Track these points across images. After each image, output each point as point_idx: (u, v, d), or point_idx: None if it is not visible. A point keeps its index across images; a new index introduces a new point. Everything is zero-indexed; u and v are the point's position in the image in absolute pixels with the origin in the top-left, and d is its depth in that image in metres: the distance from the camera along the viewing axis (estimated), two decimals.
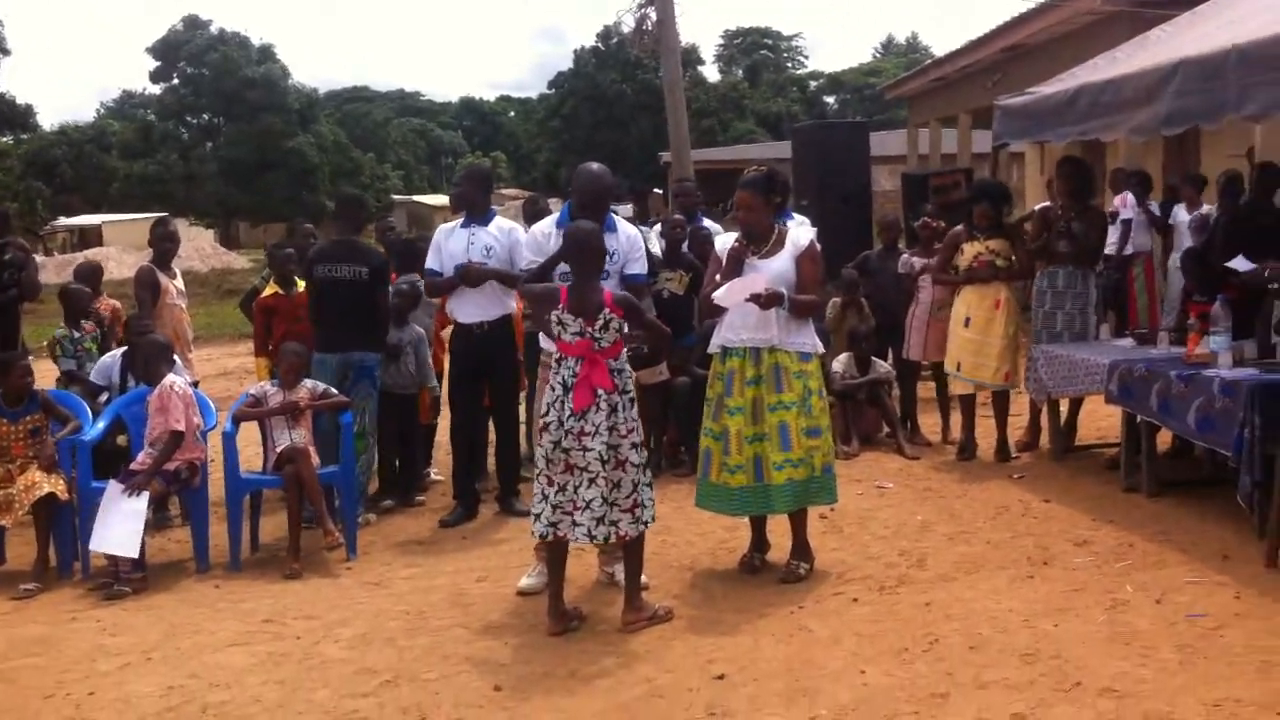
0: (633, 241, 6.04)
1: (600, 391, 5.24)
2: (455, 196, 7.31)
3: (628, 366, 5.45)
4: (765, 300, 5.57)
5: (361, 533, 7.03)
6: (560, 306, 5.33)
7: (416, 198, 62.53)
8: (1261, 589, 5.29)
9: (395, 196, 58.37)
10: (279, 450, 6.89)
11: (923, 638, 4.97)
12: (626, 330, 5.31)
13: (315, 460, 6.86)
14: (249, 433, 7.30)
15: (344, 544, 6.69)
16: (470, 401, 7.57)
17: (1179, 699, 4.22)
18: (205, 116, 56.51)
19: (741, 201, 5.83)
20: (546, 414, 5.33)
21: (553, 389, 5.35)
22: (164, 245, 8.52)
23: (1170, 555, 5.88)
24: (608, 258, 5.65)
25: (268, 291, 8.36)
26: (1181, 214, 11.18)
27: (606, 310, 5.26)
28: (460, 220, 7.52)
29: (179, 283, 8.60)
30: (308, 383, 7.13)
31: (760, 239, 5.83)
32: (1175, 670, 4.49)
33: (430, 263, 7.45)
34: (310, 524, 6.79)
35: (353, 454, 7.07)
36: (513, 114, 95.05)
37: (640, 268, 6.10)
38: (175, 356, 7.38)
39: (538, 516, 5.35)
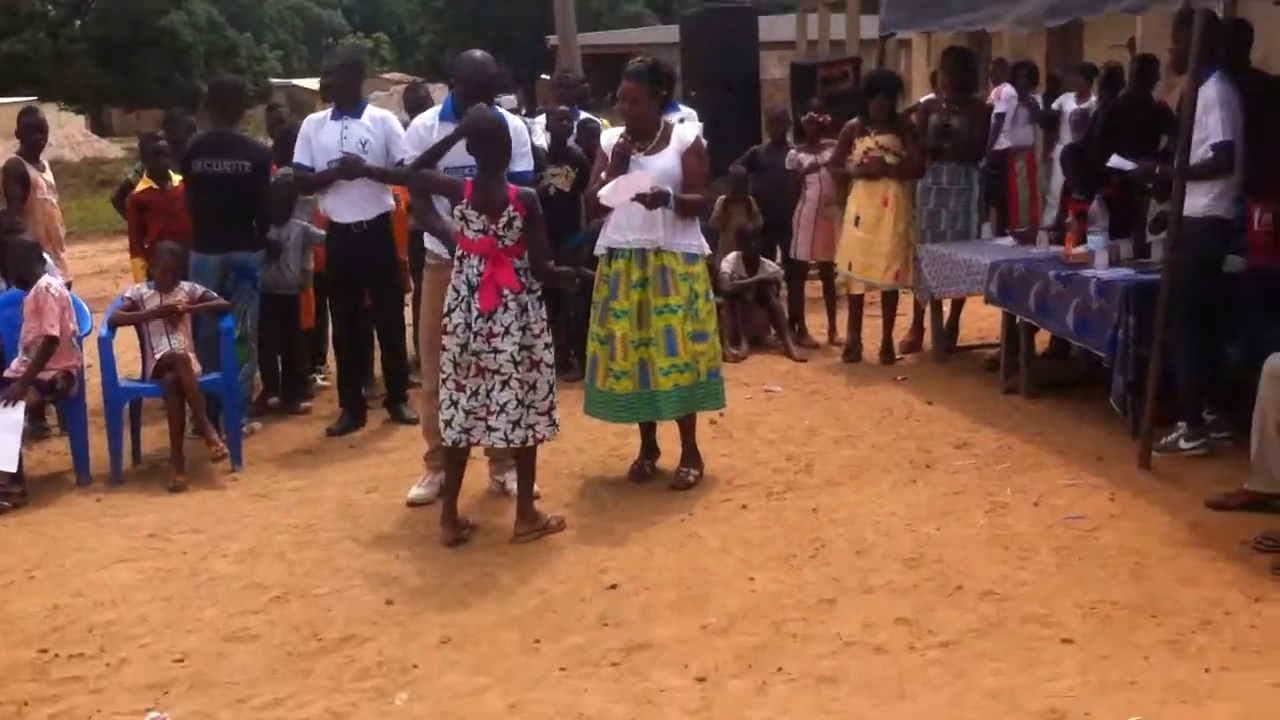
0: (518, 135, 5.85)
1: (507, 291, 5.15)
2: (325, 86, 6.99)
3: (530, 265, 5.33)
4: (651, 199, 5.49)
5: (246, 442, 6.90)
6: (464, 201, 5.19)
7: (296, 81, 60.54)
8: (1135, 490, 5.48)
9: (273, 80, 56.46)
10: (158, 357, 6.70)
11: (810, 543, 5.07)
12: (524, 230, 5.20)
13: (196, 367, 6.70)
14: (126, 338, 7.11)
15: (228, 454, 6.58)
16: (351, 305, 7.39)
17: (1056, 601, 4.37)
18: None
19: (626, 93, 5.71)
20: (451, 315, 5.21)
21: (455, 290, 5.22)
22: (32, 136, 8.11)
23: (1048, 458, 6.05)
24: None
25: (141, 186, 7.96)
26: (1070, 104, 11.26)
27: (510, 208, 5.14)
28: (329, 111, 7.19)
29: (49, 176, 8.20)
30: (186, 285, 6.89)
31: (645, 134, 5.72)
32: (1052, 573, 4.65)
33: (299, 156, 7.11)
34: (195, 435, 6.67)
35: (234, 360, 6.92)
36: None
37: (526, 164, 5.90)
38: (47, 255, 7.11)
39: (448, 423, 5.25)
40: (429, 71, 58.23)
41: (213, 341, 6.93)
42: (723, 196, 9.20)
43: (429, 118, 6.00)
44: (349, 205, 7.08)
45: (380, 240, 7.22)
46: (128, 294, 7.04)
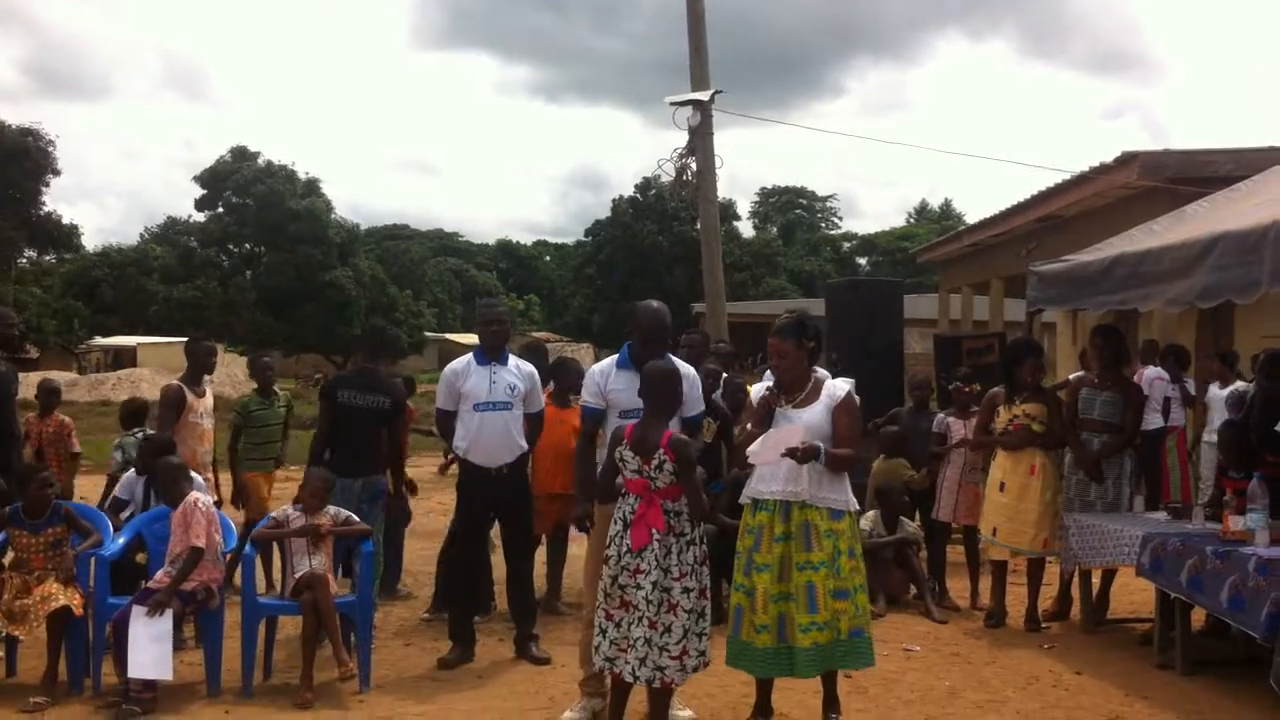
0: (692, 382, 6.04)
1: (654, 531, 5.23)
2: (494, 334, 7.23)
3: (685, 510, 5.40)
4: (801, 454, 5.41)
5: (376, 665, 6.89)
6: (624, 442, 5.36)
7: (449, 335, 63.02)
8: None
9: (428, 334, 58.84)
10: (297, 575, 6.82)
11: None
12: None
13: (334, 588, 6.79)
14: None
15: (357, 675, 6.57)
16: (480, 540, 7.49)
17: None
18: (247, 245, 57.40)
19: (774, 349, 5.71)
20: (609, 547, 5.39)
21: (615, 524, 5.41)
22: (198, 360, 8.62)
23: None
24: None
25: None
26: (1215, 391, 11.15)
27: (661, 451, 5.28)
28: (469, 358, 7.38)
29: (208, 400, 8.64)
30: (330, 509, 7.09)
31: (794, 387, 5.70)
32: None
33: (442, 402, 7.36)
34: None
35: (370, 584, 7.00)
36: (548, 258, 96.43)
37: (698, 408, 6.13)
38: (195, 475, 7.37)
39: (597, 649, 5.40)
40: (575, 333, 60.14)
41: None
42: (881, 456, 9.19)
43: (606, 366, 6.21)
44: (491, 448, 7.20)
45: (518, 480, 7.37)
46: (274, 514, 7.22)
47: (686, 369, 6.11)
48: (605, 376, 6.08)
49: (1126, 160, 14.88)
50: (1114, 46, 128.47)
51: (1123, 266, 7.61)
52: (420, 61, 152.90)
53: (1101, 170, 15.50)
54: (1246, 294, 6.23)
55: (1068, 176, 16.80)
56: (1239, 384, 10.92)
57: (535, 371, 7.56)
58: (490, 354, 7.32)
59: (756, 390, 5.91)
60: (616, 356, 6.19)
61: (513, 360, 7.43)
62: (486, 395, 7.17)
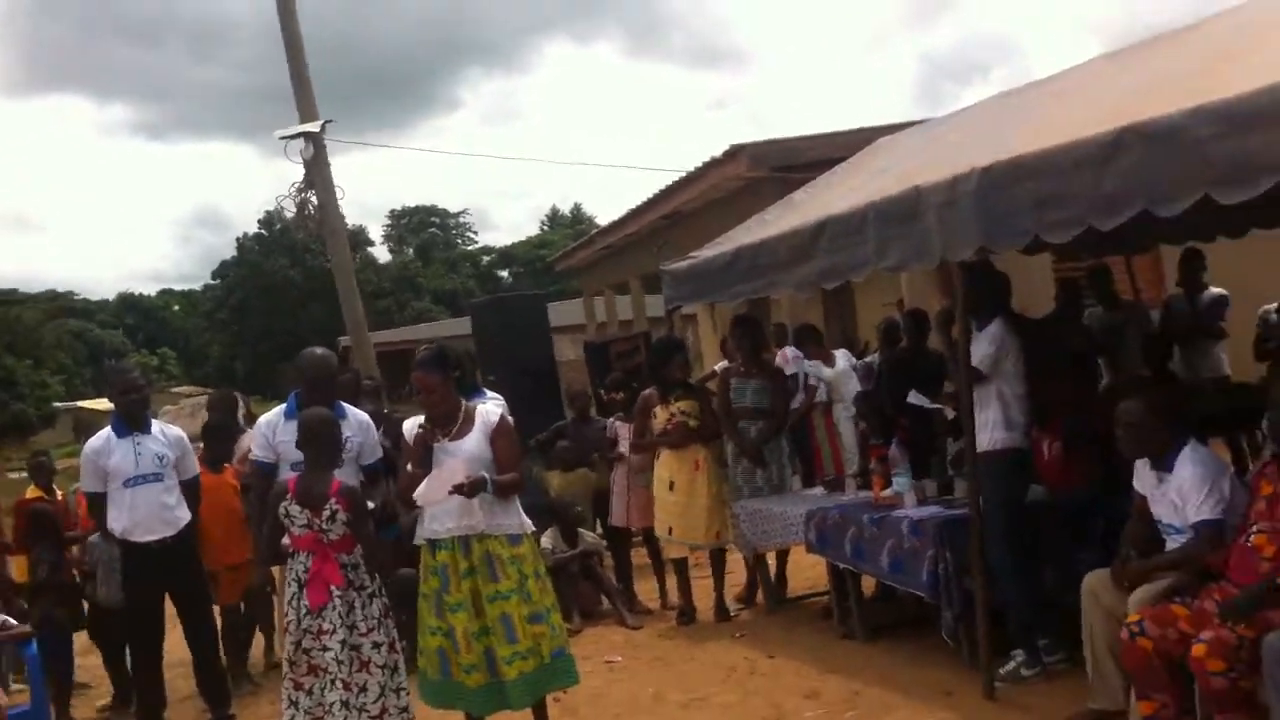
0: (365, 428, 5.97)
1: (334, 588, 5.05)
2: (132, 403, 6.79)
3: (361, 562, 5.24)
4: (469, 488, 5.37)
5: None
6: (289, 496, 5.13)
7: (82, 403, 59.01)
8: None
9: (57, 404, 54.99)
10: None
11: None
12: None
13: (3, 700, 6.28)
14: None
15: None
16: (157, 625, 6.99)
17: None
18: None
19: (420, 383, 5.61)
20: (287, 614, 5.17)
21: (289, 585, 5.18)
22: None
23: (896, 699, 6.04)
24: (344, 446, 5.55)
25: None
26: (821, 370, 11.75)
27: (332, 501, 5.10)
28: (107, 431, 6.92)
29: None
30: None
31: (447, 419, 5.63)
32: None
33: (89, 484, 6.90)
34: None
35: (43, 689, 6.51)
36: (177, 307, 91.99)
37: (375, 455, 6.03)
38: None
39: None
40: (218, 381, 57.62)
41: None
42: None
43: (274, 416, 6.06)
44: (147, 526, 6.80)
45: (188, 550, 6.98)
46: None
47: (360, 415, 6.03)
48: (273, 428, 5.94)
49: (734, 153, 15.51)
50: (711, 39, 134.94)
51: (743, 259, 7.88)
52: (4, 110, 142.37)
53: (713, 164, 16.13)
54: (859, 272, 6.62)
55: (684, 173, 17.46)
56: (842, 359, 11.59)
57: (183, 435, 7.19)
58: (131, 424, 6.88)
59: (409, 428, 5.79)
60: (284, 407, 6.04)
61: (157, 426, 7.04)
62: (134, 469, 6.75)
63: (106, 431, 6.94)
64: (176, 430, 7.23)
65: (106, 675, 8.10)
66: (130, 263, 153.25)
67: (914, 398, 7.42)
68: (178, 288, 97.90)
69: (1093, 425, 6.07)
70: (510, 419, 5.83)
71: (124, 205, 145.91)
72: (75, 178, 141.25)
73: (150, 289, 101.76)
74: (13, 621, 6.63)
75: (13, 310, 74.28)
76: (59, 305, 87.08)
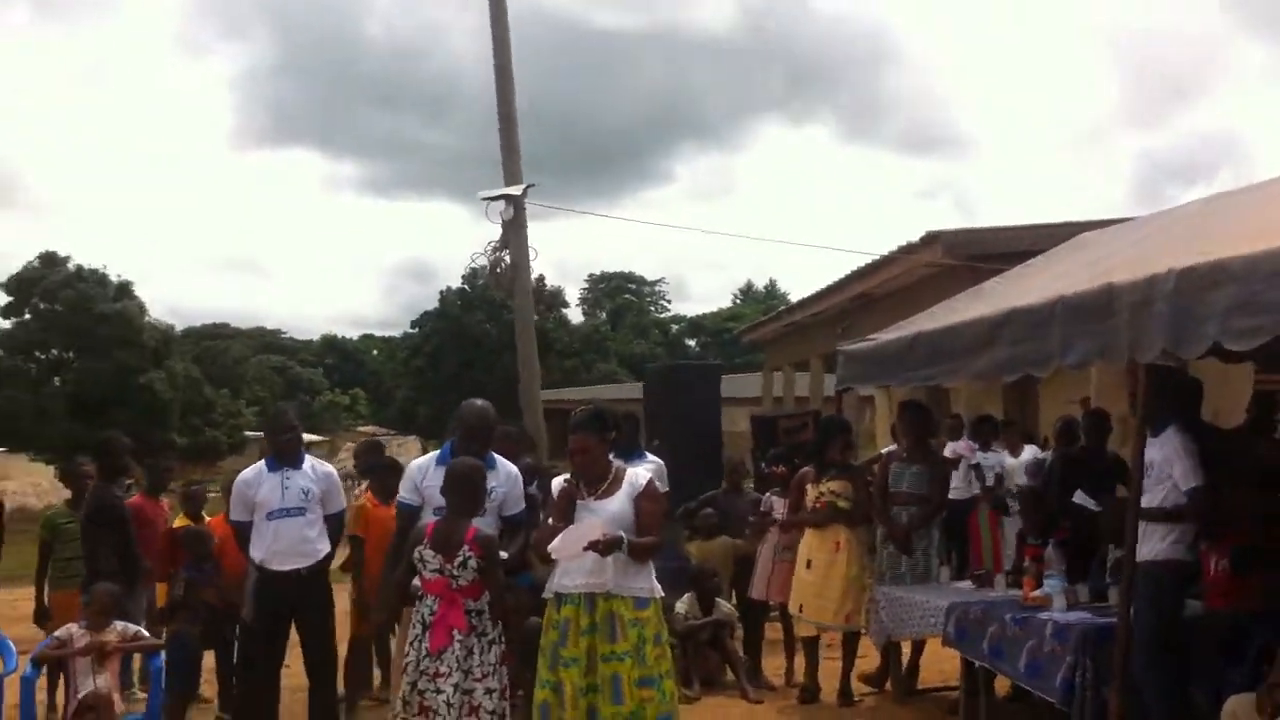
0: (512, 480, 6.06)
1: (456, 633, 5.07)
2: (286, 443, 7.07)
3: (487, 608, 5.26)
4: (604, 546, 5.38)
5: None
6: (425, 541, 5.20)
7: None
8: None
9: (248, 433, 57.39)
10: (80, 696, 6.43)
11: None
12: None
13: (120, 707, 6.45)
14: None
15: None
16: (277, 649, 7.13)
17: None
18: (54, 351, 55.38)
19: (576, 444, 5.70)
20: (407, 653, 5.24)
21: (413, 627, 5.27)
22: None
23: None
24: (487, 495, 5.61)
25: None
26: (1006, 459, 11.44)
27: (466, 548, 5.14)
28: (260, 466, 7.16)
29: None
30: (118, 624, 6.73)
31: (596, 479, 5.67)
32: None
33: (237, 513, 7.12)
34: None
35: (158, 699, 6.66)
36: (375, 352, 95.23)
37: (518, 506, 6.10)
38: None
39: None
40: (399, 423, 59.30)
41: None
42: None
43: (425, 461, 6.18)
44: (283, 557, 6.94)
45: (319, 583, 7.10)
46: (58, 634, 6.82)
47: (509, 468, 6.11)
48: (423, 472, 6.07)
49: (929, 240, 15.39)
50: (927, 126, 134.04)
51: (923, 344, 7.77)
52: (243, 161, 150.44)
53: (907, 250, 16.01)
54: (1042, 367, 6.41)
55: (877, 257, 17.34)
56: (1029, 451, 11.25)
57: (333, 472, 7.38)
58: (283, 460, 7.08)
59: (557, 484, 5.86)
60: (438, 453, 6.17)
61: (309, 462, 7.21)
62: (279, 502, 6.93)
63: (260, 465, 7.18)
64: (327, 467, 7.44)
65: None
66: (338, 307, 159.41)
67: (1079, 498, 7.12)
68: (379, 333, 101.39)
69: (1269, 545, 5.69)
70: (659, 484, 5.90)
71: (340, 254, 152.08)
72: (297, 226, 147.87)
73: (353, 333, 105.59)
74: (145, 634, 6.86)
75: (223, 344, 78.18)
76: (266, 341, 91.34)
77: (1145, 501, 5.77)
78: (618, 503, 5.62)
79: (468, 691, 5.15)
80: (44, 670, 6.78)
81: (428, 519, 5.74)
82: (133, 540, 7.63)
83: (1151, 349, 5.24)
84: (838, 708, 8.01)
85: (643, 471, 5.96)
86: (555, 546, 5.44)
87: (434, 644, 5.16)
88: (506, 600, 5.39)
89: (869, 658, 8.55)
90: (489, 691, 5.20)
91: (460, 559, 5.18)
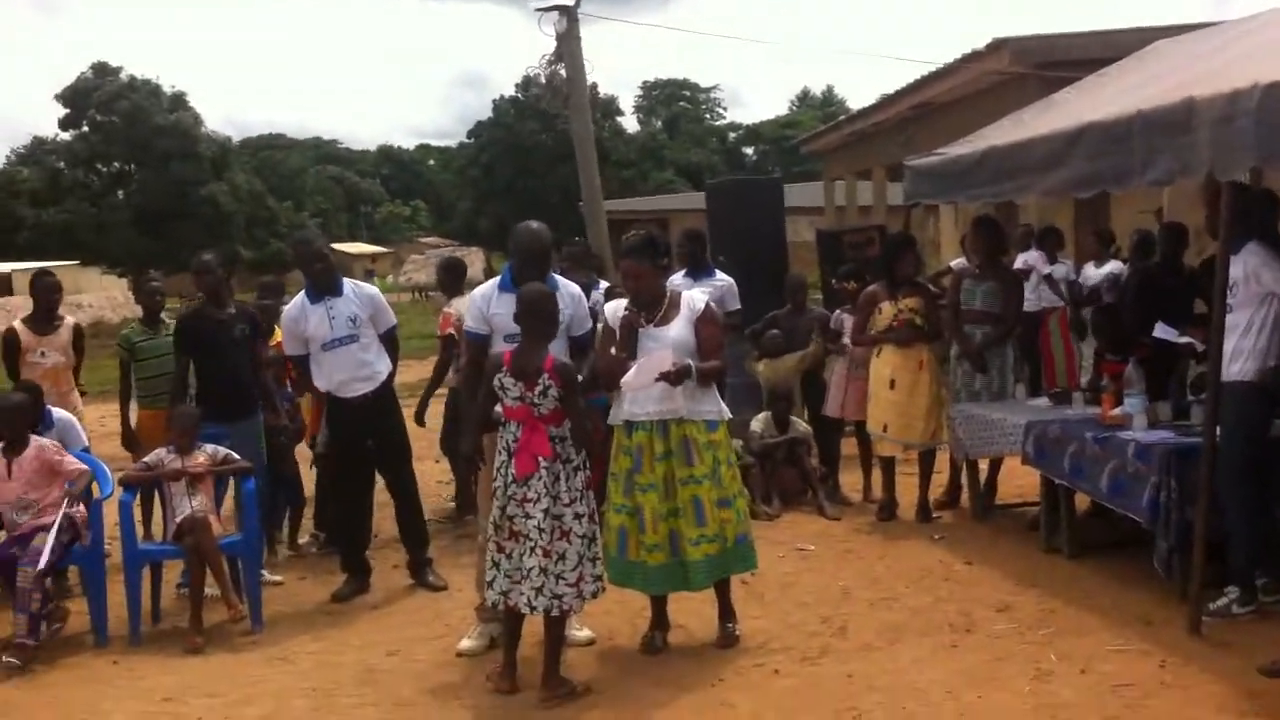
0: (577, 301, 5.99)
1: (541, 459, 5.14)
2: (319, 273, 7.00)
3: (570, 435, 5.32)
4: (675, 376, 5.41)
5: (267, 602, 6.74)
6: (504, 369, 5.23)
7: (335, 245, 61.96)
8: (1185, 656, 5.24)
9: None
10: (178, 519, 6.62)
11: (846, 711, 4.87)
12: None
13: (218, 528, 6.63)
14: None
15: (247, 616, 6.46)
16: (361, 471, 7.27)
17: None
18: (116, 165, 55.52)
19: (627, 270, 5.71)
20: (495, 478, 5.30)
21: (499, 454, 5.31)
22: (44, 298, 8.23)
23: (1093, 621, 5.82)
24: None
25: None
26: (1090, 269, 11.33)
27: (545, 376, 5.17)
28: (301, 298, 7.12)
29: (60, 336, 8.17)
30: (208, 448, 6.89)
31: (652, 305, 5.68)
32: None
33: (292, 348, 7.21)
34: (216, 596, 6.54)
35: (256, 522, 6.85)
36: (432, 162, 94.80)
37: (585, 326, 6.06)
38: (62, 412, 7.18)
39: (490, 584, 5.32)
40: (463, 236, 59.40)
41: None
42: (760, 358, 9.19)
43: (488, 289, 6.06)
44: (346, 385, 7.04)
45: (386, 407, 7.21)
46: (147, 459, 6.95)
47: (571, 288, 6.04)
48: (487, 300, 5.96)
49: (996, 46, 14.93)
50: None
51: (994, 159, 7.59)
52: None
53: (972, 57, 15.55)
54: (1121, 184, 6.26)
55: (941, 64, 16.86)
56: (1113, 264, 11.09)
57: (376, 293, 7.39)
58: (322, 289, 7.07)
59: (611, 311, 5.83)
60: (498, 279, 6.07)
61: (349, 286, 7.18)
62: (330, 333, 6.98)
63: (301, 298, 7.14)
64: (369, 288, 7.43)
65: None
66: (393, 117, 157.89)
67: (1161, 330, 7.01)
68: (435, 143, 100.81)
69: None
70: (730, 302, 5.82)
71: (392, 63, 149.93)
72: (348, 33, 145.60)
73: (409, 143, 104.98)
74: (235, 455, 6.95)
75: (279, 154, 78.03)
76: (323, 152, 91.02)
77: (1232, 321, 5.67)
78: (678, 328, 5.64)
79: (557, 516, 5.22)
80: (138, 493, 6.94)
81: (499, 346, 5.75)
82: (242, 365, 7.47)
83: (1238, 166, 5.09)
84: (917, 524, 8.07)
85: (698, 294, 5.93)
86: (628, 380, 5.47)
87: (520, 469, 5.20)
88: (587, 426, 5.43)
89: (939, 474, 8.56)
90: (578, 516, 5.28)
91: (540, 387, 5.20)
